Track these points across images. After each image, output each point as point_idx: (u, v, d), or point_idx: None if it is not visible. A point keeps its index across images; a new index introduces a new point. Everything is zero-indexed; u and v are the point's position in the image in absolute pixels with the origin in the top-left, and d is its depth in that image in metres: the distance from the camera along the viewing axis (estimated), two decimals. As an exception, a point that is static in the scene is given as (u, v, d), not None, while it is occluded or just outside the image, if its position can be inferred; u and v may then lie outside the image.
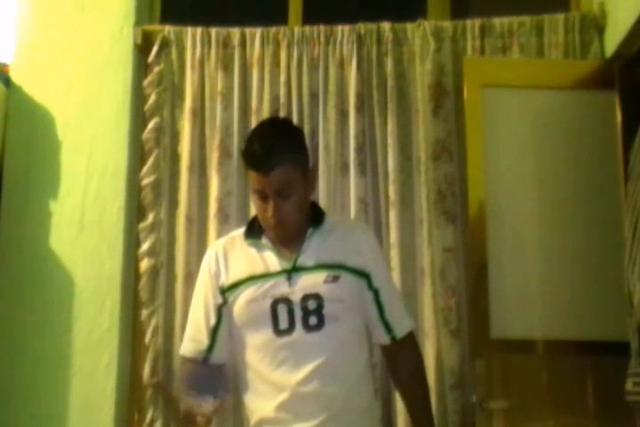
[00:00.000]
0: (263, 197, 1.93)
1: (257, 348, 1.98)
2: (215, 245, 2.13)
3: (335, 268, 1.98)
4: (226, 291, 2.02)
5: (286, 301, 1.94)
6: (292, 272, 1.97)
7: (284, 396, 1.92)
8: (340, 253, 2.00)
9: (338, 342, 1.95)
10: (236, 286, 2.00)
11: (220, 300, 2.03)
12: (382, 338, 2.08)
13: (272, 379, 1.94)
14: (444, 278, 2.61)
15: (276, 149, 1.89)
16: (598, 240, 2.52)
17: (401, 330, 2.07)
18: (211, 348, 2.02)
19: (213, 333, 2.03)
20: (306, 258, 1.98)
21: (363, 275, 2.01)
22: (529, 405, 2.41)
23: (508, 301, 2.48)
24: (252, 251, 2.03)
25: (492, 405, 2.37)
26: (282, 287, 1.96)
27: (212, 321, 2.03)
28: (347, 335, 1.98)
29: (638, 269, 2.09)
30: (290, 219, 1.94)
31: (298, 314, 1.94)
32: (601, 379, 2.42)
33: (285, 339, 1.94)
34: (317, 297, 1.94)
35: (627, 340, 2.15)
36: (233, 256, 2.06)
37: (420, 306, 2.62)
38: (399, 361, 2.10)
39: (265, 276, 1.98)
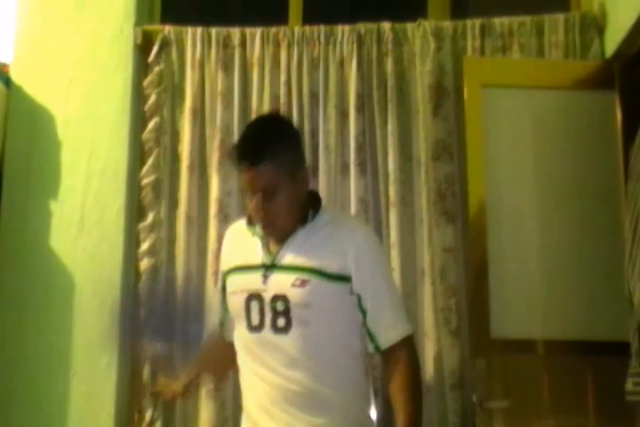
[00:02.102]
0: (252, 194, 1.92)
1: (240, 337, 2.01)
2: (229, 229, 2.18)
3: (307, 271, 1.90)
4: (223, 276, 2.09)
5: (259, 298, 1.93)
6: (268, 269, 1.95)
7: (266, 387, 1.92)
8: (319, 254, 1.92)
9: (310, 346, 1.90)
10: (226, 273, 2.06)
11: (221, 283, 2.11)
12: (368, 346, 1.97)
13: (254, 369, 1.95)
14: (444, 278, 2.60)
15: (260, 146, 1.87)
16: (598, 240, 2.52)
17: (386, 340, 1.93)
18: (222, 324, 2.15)
19: (224, 311, 2.12)
20: (284, 256, 1.94)
21: (342, 279, 1.91)
22: (529, 405, 2.41)
23: (508, 301, 2.48)
24: (247, 238, 2.03)
25: (491, 405, 2.38)
26: (257, 283, 1.94)
27: (221, 300, 2.14)
28: (321, 341, 1.91)
29: (638, 269, 2.08)
30: (276, 218, 1.92)
31: (268, 314, 1.92)
32: (601, 379, 2.42)
33: (256, 336, 1.94)
34: (285, 299, 1.90)
35: (627, 340, 2.15)
36: (233, 242, 2.11)
37: (420, 306, 2.62)
38: (387, 372, 1.97)
39: (247, 268, 1.99)
